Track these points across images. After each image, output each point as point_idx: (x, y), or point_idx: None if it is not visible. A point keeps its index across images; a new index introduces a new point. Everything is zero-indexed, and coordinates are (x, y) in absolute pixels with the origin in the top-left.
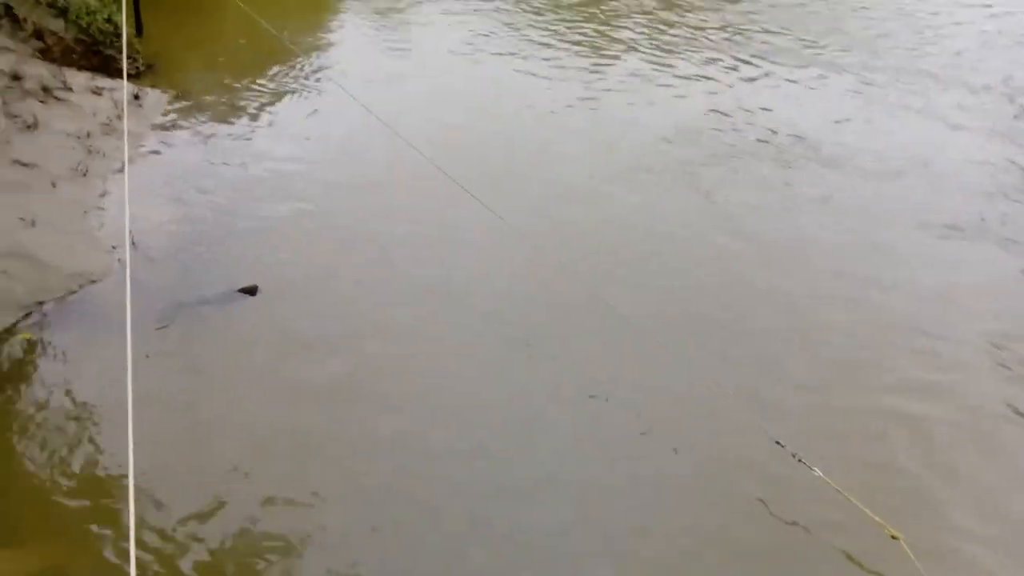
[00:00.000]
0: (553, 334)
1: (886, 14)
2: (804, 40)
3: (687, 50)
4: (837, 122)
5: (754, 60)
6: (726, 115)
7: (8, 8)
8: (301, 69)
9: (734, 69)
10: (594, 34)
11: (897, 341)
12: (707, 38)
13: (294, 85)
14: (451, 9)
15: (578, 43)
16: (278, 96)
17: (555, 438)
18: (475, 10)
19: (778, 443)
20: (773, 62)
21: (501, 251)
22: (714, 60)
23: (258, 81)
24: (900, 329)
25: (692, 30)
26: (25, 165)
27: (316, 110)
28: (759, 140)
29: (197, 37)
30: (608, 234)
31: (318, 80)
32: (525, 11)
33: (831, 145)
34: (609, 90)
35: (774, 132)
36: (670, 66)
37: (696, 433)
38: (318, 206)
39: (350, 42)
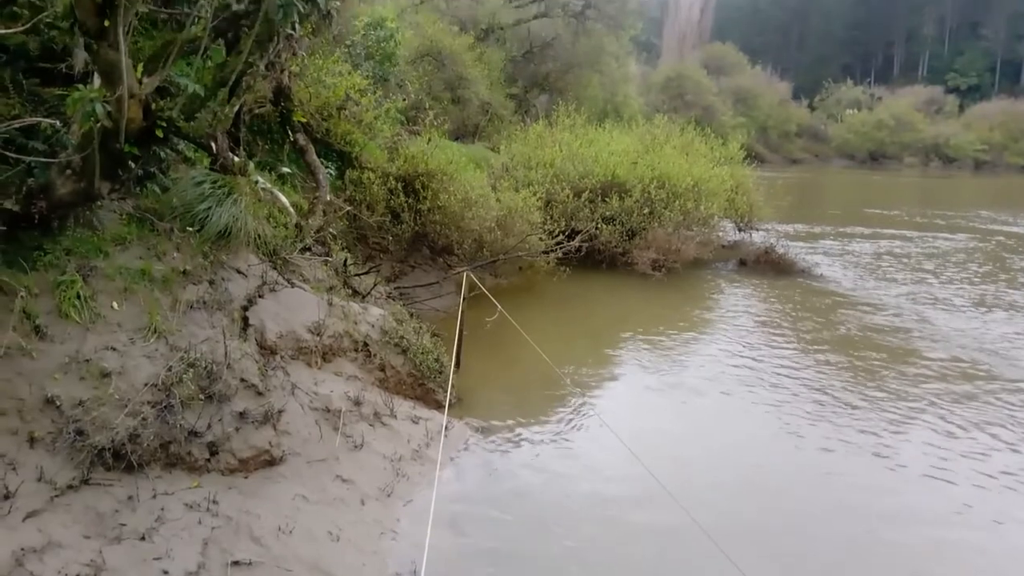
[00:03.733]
0: None
1: None
2: None
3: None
4: None
5: None
6: None
7: (365, 344)
8: (580, 407)
9: None
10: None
11: None
12: None
13: (573, 422)
14: (728, 351)
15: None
16: (559, 433)
17: None
18: (757, 365)
19: None
20: None
21: None
22: None
23: (543, 417)
24: None
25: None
26: (345, 481)
27: (590, 452)
28: None
29: (499, 374)
30: None
31: (595, 425)
32: (803, 357)
33: None
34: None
35: None
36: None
37: None
38: (584, 555)
39: (626, 382)
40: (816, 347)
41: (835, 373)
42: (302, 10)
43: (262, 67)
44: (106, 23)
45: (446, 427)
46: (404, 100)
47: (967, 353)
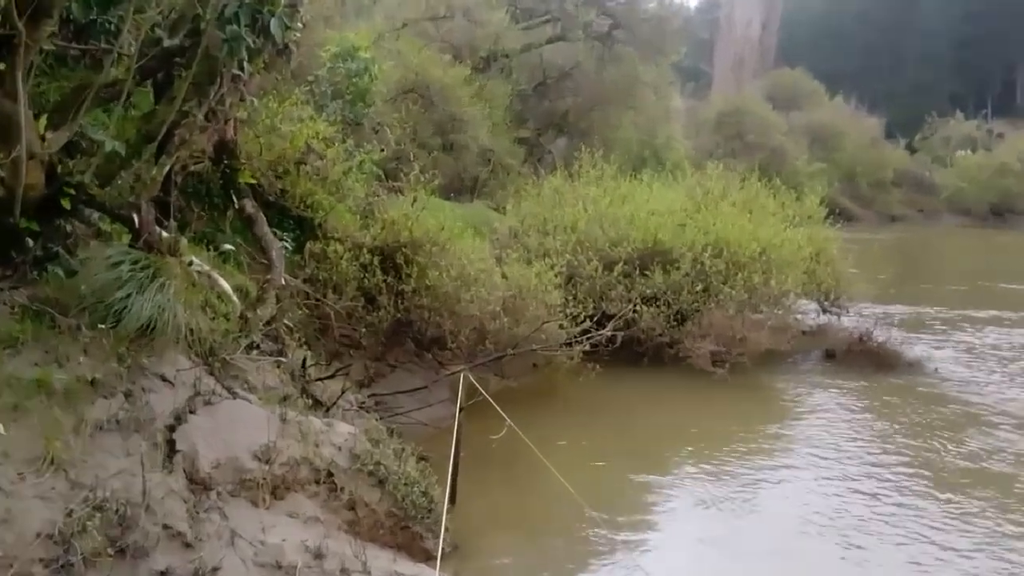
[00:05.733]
0: None
1: None
2: None
3: None
4: None
5: None
6: None
7: (330, 474)
8: (616, 561)
9: None
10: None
11: None
12: None
13: None
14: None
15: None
16: None
17: None
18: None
19: None
20: None
21: None
22: None
23: (567, 572)
24: None
25: None
26: None
27: None
28: None
29: (508, 511)
30: None
31: None
32: (921, 499)
33: None
34: None
35: None
36: None
37: None
38: None
39: (677, 525)
40: (940, 483)
41: (968, 523)
42: (252, 44)
43: (201, 116)
44: (1, 66)
45: None
46: (382, 149)
47: None
